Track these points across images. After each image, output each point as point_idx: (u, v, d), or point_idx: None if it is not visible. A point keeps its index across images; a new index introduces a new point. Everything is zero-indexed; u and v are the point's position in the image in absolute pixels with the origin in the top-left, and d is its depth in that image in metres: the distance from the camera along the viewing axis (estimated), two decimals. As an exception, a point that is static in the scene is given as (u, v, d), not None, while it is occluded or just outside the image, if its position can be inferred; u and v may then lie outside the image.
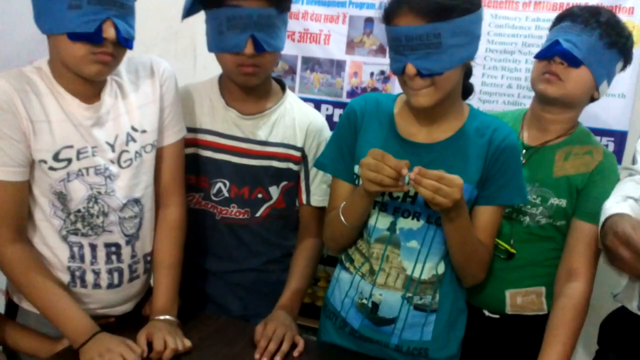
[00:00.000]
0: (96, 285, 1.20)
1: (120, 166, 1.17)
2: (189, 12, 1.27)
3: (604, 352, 1.30)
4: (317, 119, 1.43)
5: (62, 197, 1.14)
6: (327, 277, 2.29)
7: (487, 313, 1.41)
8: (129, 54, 1.15)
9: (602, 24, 1.27)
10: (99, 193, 1.16)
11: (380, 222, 1.21)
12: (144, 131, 1.21)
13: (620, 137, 1.91)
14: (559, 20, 1.35)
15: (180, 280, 1.30)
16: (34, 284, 1.12)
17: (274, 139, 1.38)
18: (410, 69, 1.07)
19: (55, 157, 1.11)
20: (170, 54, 2.38)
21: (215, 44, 1.27)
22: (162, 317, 1.21)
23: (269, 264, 1.45)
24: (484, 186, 1.18)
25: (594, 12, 1.30)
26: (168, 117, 1.26)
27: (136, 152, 1.19)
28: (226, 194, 1.38)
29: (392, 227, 1.20)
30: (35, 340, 1.21)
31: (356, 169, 1.23)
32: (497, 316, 1.41)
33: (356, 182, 1.23)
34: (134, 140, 1.19)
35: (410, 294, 1.21)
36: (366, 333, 1.25)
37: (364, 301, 1.24)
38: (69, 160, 1.12)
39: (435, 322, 1.22)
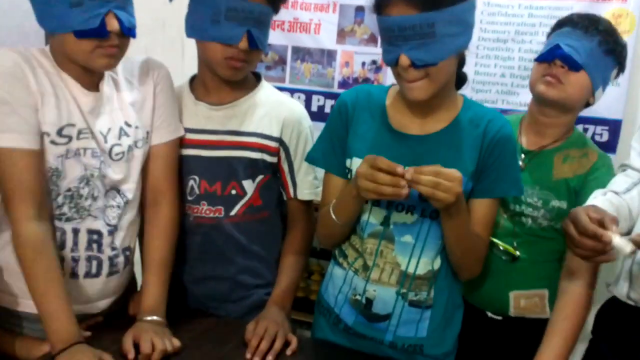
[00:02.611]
0: (74, 275, 1.18)
1: (111, 158, 1.18)
2: None
3: (596, 342, 1.30)
4: (295, 108, 1.38)
5: (56, 174, 1.13)
6: (320, 270, 2.28)
7: (489, 314, 1.42)
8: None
9: (601, 32, 1.31)
10: (92, 175, 1.16)
11: (373, 216, 1.19)
12: (136, 127, 1.22)
13: (614, 126, 1.90)
14: (559, 26, 1.39)
15: (169, 280, 1.27)
16: (38, 273, 1.09)
17: (247, 129, 1.32)
18: (404, 60, 1.04)
19: (59, 132, 1.12)
20: (158, 44, 2.33)
21: (207, 32, 1.22)
22: (149, 318, 1.19)
23: (244, 273, 1.37)
24: (479, 178, 1.16)
25: (594, 20, 1.34)
26: (162, 117, 1.26)
27: (128, 147, 1.20)
28: (197, 191, 1.33)
29: (385, 222, 1.18)
30: (19, 342, 1.18)
31: (348, 162, 1.20)
32: (499, 318, 1.41)
33: (348, 176, 1.21)
34: (126, 134, 1.20)
35: (404, 290, 1.19)
36: (360, 330, 1.23)
37: (358, 297, 1.22)
38: (70, 138, 1.13)
39: (431, 318, 1.20)
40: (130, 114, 1.21)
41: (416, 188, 1.02)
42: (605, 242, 1.00)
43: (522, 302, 1.38)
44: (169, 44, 2.26)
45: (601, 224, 1.01)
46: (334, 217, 1.17)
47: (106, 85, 1.19)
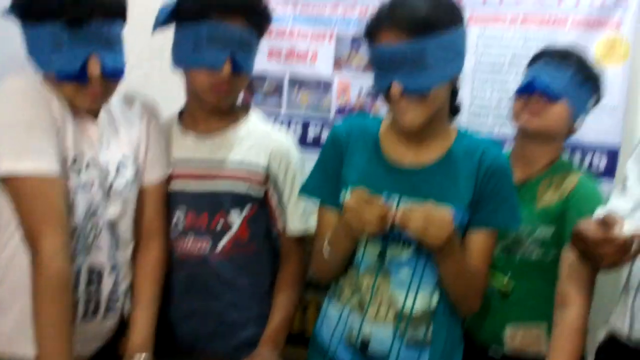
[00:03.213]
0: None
1: (111, 193, 1.16)
2: (162, 23, 1.23)
3: None
4: (283, 140, 1.38)
5: (68, 209, 1.07)
6: (317, 303, 2.23)
7: (490, 353, 1.40)
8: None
9: (575, 62, 1.37)
10: (96, 211, 1.12)
11: (368, 251, 1.16)
12: (131, 163, 1.20)
13: (612, 152, 1.89)
14: (534, 60, 1.44)
15: (157, 317, 1.24)
16: (52, 313, 1.02)
17: (234, 159, 1.31)
18: (396, 87, 1.04)
19: (73, 163, 1.09)
20: (156, 72, 2.34)
21: (190, 60, 1.22)
22: (137, 355, 1.15)
23: (231, 309, 1.33)
24: (476, 210, 1.14)
25: (567, 52, 1.40)
26: (154, 156, 1.26)
27: (126, 182, 1.18)
28: (182, 224, 1.31)
29: (381, 257, 1.16)
30: None
31: (342, 195, 1.18)
32: (498, 357, 1.39)
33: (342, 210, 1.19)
34: (124, 169, 1.18)
35: (402, 328, 1.15)
36: (357, 370, 1.19)
37: (354, 337, 1.18)
38: (80, 170, 1.10)
39: (430, 358, 1.16)
40: (126, 149, 1.20)
41: (407, 232, 1.01)
42: (620, 241, 0.98)
43: (518, 336, 1.36)
44: (167, 72, 2.27)
45: (604, 225, 1.00)
46: (327, 253, 1.15)
47: (103, 119, 1.17)
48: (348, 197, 1.08)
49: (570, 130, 1.41)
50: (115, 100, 1.21)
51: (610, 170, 1.89)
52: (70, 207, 1.07)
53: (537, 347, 1.36)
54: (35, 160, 1.00)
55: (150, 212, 1.26)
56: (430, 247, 1.03)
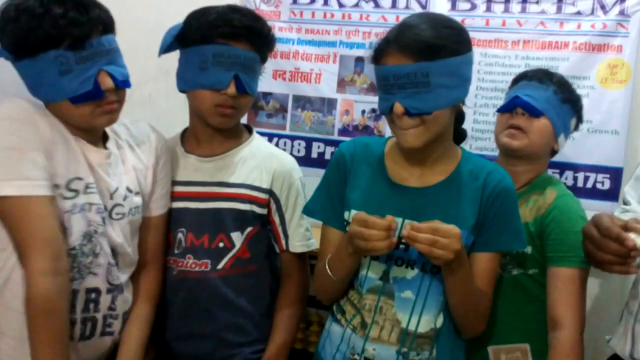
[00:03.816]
0: (69, 338, 1.12)
1: (112, 217, 1.15)
2: (168, 48, 1.25)
3: None
4: (285, 161, 1.38)
5: (62, 231, 1.07)
6: (319, 320, 2.22)
7: None
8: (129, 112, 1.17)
9: (554, 82, 1.39)
10: (95, 232, 1.12)
11: (372, 271, 1.16)
12: (136, 193, 1.21)
13: (615, 174, 1.90)
14: (514, 82, 1.47)
15: (149, 336, 1.24)
16: (44, 335, 1.01)
17: (236, 180, 1.32)
18: (398, 107, 1.06)
19: (68, 185, 1.08)
20: (162, 92, 2.37)
21: (195, 81, 1.24)
22: None
23: (229, 330, 1.31)
24: (480, 232, 1.14)
25: (547, 73, 1.43)
26: (162, 190, 1.27)
27: (129, 209, 1.18)
28: (183, 244, 1.31)
29: (385, 277, 1.15)
30: None
31: (346, 215, 1.19)
32: None
33: (346, 228, 1.19)
34: (129, 197, 1.19)
35: (405, 349, 1.14)
36: (359, 391, 1.18)
37: (356, 357, 1.17)
38: (77, 192, 1.09)
39: (433, 379, 1.15)
40: (133, 179, 1.20)
41: (413, 245, 1.01)
42: (629, 246, 0.98)
43: (502, 357, 1.33)
44: (172, 92, 2.29)
45: (625, 229, 1.00)
46: (329, 272, 1.15)
47: (112, 146, 1.18)
48: (351, 221, 1.08)
49: (553, 149, 1.42)
50: (124, 130, 1.23)
51: (613, 192, 1.89)
52: (65, 229, 1.07)
53: None
54: (21, 183, 1.01)
55: (153, 239, 1.27)
56: (438, 261, 1.02)
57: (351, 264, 1.13)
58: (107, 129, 1.21)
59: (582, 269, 1.25)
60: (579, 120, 1.45)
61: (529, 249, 1.32)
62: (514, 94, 1.39)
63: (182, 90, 1.30)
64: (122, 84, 1.09)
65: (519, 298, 1.34)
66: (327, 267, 1.15)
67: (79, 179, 1.09)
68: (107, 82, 1.06)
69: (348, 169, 1.20)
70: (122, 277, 1.19)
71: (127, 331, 1.21)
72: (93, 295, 1.13)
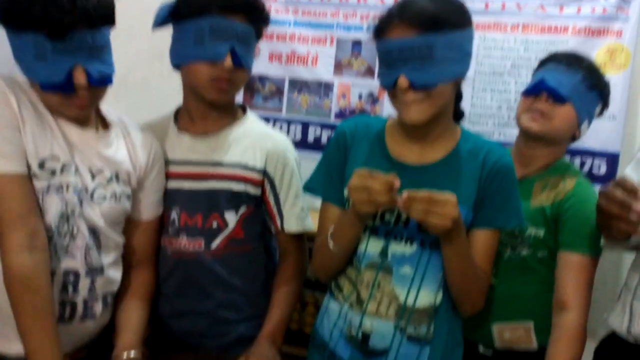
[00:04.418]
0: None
1: (92, 199, 1.12)
2: (162, 22, 1.23)
3: None
4: (279, 140, 1.36)
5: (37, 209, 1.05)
6: (315, 302, 2.23)
7: (481, 349, 1.39)
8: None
9: (584, 68, 1.35)
10: (72, 212, 1.09)
11: (371, 247, 1.16)
12: (124, 183, 1.18)
13: (612, 159, 1.90)
14: (543, 63, 1.42)
15: (147, 319, 1.24)
16: (27, 309, 1.01)
17: (230, 160, 1.30)
18: (403, 81, 1.05)
19: (41, 165, 1.05)
20: (155, 74, 2.34)
21: (191, 54, 1.21)
22: (125, 354, 1.13)
23: (224, 308, 1.32)
24: (480, 209, 1.14)
25: (577, 57, 1.38)
26: (155, 197, 1.26)
27: (114, 194, 1.15)
28: (176, 223, 1.30)
29: (383, 252, 1.15)
30: None
31: (346, 192, 1.18)
32: (490, 353, 1.38)
33: (346, 205, 1.18)
34: (115, 183, 1.16)
35: (403, 323, 1.14)
36: (357, 366, 1.18)
37: (354, 332, 1.17)
38: (53, 172, 1.06)
39: (430, 355, 1.15)
40: (121, 168, 1.17)
41: (410, 213, 1.00)
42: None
43: (506, 334, 1.35)
44: (167, 75, 2.26)
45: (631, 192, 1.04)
46: (332, 245, 1.14)
47: (113, 130, 1.16)
48: (351, 179, 1.07)
49: (574, 136, 1.40)
50: (126, 119, 1.21)
51: (610, 176, 1.90)
52: (40, 208, 1.05)
53: (526, 344, 1.35)
54: None
55: (145, 241, 1.27)
56: (435, 230, 1.01)
57: (354, 233, 1.12)
58: (114, 117, 1.20)
59: (594, 257, 1.28)
60: (605, 106, 1.42)
61: (541, 232, 1.32)
62: (541, 77, 1.35)
63: (176, 66, 1.28)
64: (98, 83, 1.05)
65: (526, 279, 1.35)
66: (329, 239, 1.15)
67: (55, 158, 1.07)
68: (80, 79, 1.02)
69: (349, 146, 1.20)
70: (105, 258, 1.16)
71: (125, 317, 1.20)
72: (71, 278, 1.11)
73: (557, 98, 1.32)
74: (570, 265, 1.27)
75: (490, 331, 1.36)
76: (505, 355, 1.37)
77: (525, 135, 1.38)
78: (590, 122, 1.41)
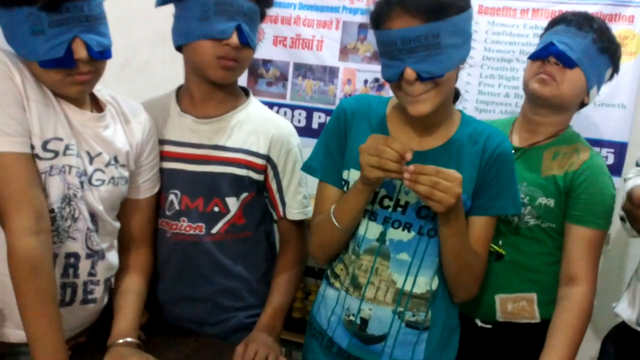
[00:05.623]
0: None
1: (91, 183, 1.11)
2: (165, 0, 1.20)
3: None
4: (283, 126, 1.34)
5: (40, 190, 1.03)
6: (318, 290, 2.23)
7: (479, 323, 1.38)
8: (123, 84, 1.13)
9: (595, 30, 1.29)
10: (74, 195, 1.08)
11: (369, 231, 1.15)
12: (122, 165, 1.17)
13: (620, 148, 1.87)
14: (552, 24, 1.36)
15: (145, 300, 1.23)
16: (30, 293, 0.99)
17: (233, 144, 1.28)
18: (410, 73, 1.01)
19: (44, 146, 1.03)
20: (158, 58, 2.32)
21: (196, 31, 1.18)
22: (121, 341, 1.12)
23: (223, 295, 1.31)
24: (477, 195, 1.13)
25: (587, 18, 1.32)
26: (150, 173, 1.24)
27: (111, 178, 1.14)
28: (177, 207, 1.28)
29: (381, 238, 1.14)
30: None
31: (345, 174, 1.17)
32: (489, 326, 1.37)
33: (344, 188, 1.17)
34: (113, 166, 1.14)
35: (401, 309, 1.14)
36: (355, 352, 1.18)
37: (352, 318, 1.16)
38: (56, 153, 1.04)
39: (428, 340, 1.15)
40: (121, 151, 1.16)
41: (415, 188, 0.99)
42: None
43: (509, 306, 1.33)
44: (169, 59, 2.25)
45: None
46: (334, 221, 1.13)
47: (108, 112, 1.14)
48: (354, 176, 1.05)
49: (583, 102, 1.35)
50: (121, 101, 1.19)
51: (617, 167, 1.87)
52: (43, 189, 1.03)
53: (528, 315, 1.33)
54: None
55: (143, 220, 1.25)
56: (438, 205, 0.99)
57: (359, 207, 1.10)
58: (106, 96, 1.17)
59: (605, 232, 1.27)
60: (615, 70, 1.36)
61: (551, 202, 1.30)
62: (549, 40, 1.30)
63: (179, 46, 1.25)
64: (99, 55, 1.01)
65: (532, 249, 1.33)
66: (332, 215, 1.13)
67: (59, 139, 1.05)
68: (80, 52, 0.99)
69: (349, 125, 1.18)
70: (103, 244, 1.16)
71: (122, 303, 1.19)
72: (72, 260, 1.10)
73: (566, 62, 1.27)
74: (583, 239, 1.26)
75: (491, 304, 1.34)
76: (505, 327, 1.35)
77: (533, 101, 1.34)
78: (599, 88, 1.36)
